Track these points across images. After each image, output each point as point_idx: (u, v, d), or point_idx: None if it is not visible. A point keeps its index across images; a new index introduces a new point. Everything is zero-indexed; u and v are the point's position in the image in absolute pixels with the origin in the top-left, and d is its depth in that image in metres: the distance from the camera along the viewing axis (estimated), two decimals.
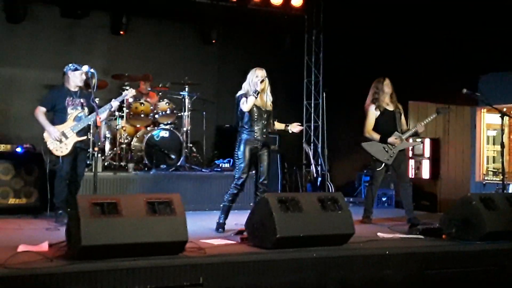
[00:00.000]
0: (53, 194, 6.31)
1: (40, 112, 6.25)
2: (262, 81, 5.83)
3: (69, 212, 4.63)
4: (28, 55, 8.90)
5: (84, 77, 6.34)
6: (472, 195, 5.49)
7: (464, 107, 9.38)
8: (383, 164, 6.61)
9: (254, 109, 5.88)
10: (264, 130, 5.96)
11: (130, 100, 8.14)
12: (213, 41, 10.14)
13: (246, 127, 5.93)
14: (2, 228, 5.77)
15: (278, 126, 6.21)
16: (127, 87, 6.57)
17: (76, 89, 6.38)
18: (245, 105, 5.82)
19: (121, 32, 9.45)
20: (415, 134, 6.90)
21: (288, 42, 10.49)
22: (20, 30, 8.84)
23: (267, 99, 6.00)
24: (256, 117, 5.90)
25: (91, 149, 6.31)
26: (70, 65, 6.38)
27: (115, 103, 6.41)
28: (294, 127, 6.17)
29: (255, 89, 5.78)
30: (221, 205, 6.04)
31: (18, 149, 7.06)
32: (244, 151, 5.89)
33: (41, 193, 6.78)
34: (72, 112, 6.29)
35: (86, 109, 6.35)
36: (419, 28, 8.71)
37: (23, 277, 3.59)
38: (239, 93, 5.97)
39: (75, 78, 6.33)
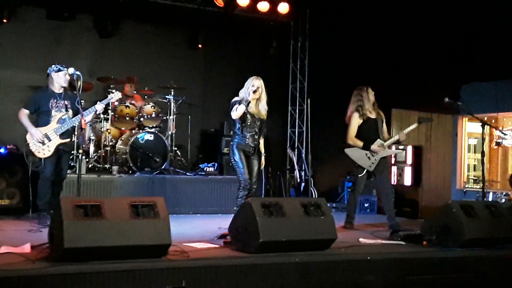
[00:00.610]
0: (36, 196, 6.28)
1: (24, 114, 6.21)
2: (255, 91, 5.92)
3: (52, 214, 4.61)
4: (13, 57, 8.85)
5: (68, 77, 6.29)
6: (453, 202, 5.56)
7: (446, 116, 9.51)
8: (365, 170, 6.67)
9: (248, 116, 6.00)
10: (256, 137, 6.09)
11: (116, 103, 8.13)
12: (200, 46, 10.16)
13: (238, 132, 6.05)
14: None
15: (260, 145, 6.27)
16: (113, 90, 6.57)
17: (61, 91, 6.33)
18: (234, 113, 5.93)
19: (109, 35, 9.43)
20: (397, 142, 6.97)
21: (274, 48, 10.54)
22: (6, 31, 8.78)
23: (262, 108, 6.09)
24: (249, 123, 6.00)
25: (75, 151, 6.31)
26: (53, 66, 6.34)
27: (99, 106, 6.39)
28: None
29: (247, 98, 5.88)
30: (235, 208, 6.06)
31: (1, 150, 7.02)
32: (239, 156, 6.01)
33: (24, 195, 6.74)
34: (56, 114, 6.25)
35: (70, 111, 6.32)
36: (403, 37, 8.81)
37: (4, 279, 3.56)
38: (235, 99, 6.05)
39: (59, 79, 6.28)
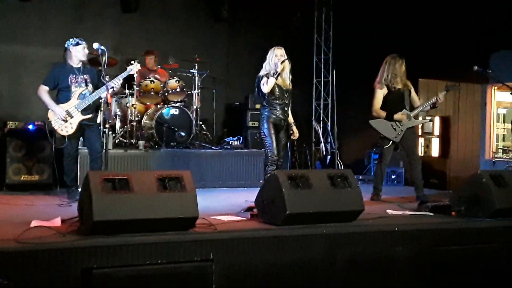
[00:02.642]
0: (63, 172, 6.32)
1: (43, 91, 6.09)
2: (282, 62, 5.87)
3: (81, 188, 4.67)
4: (38, 34, 8.91)
5: (86, 51, 6.17)
6: (482, 172, 5.48)
7: (475, 85, 9.33)
8: (391, 141, 6.61)
9: (276, 88, 5.97)
10: (286, 109, 6.06)
11: (138, 78, 8.14)
12: (223, 19, 10.09)
13: (268, 105, 6.00)
14: (15, 204, 5.85)
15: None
16: (132, 62, 6.52)
17: (79, 65, 6.19)
18: (265, 87, 5.89)
19: (132, 10, 9.42)
20: (429, 109, 6.83)
21: (297, 19, 10.43)
22: (30, 8, 8.83)
23: (286, 78, 6.05)
24: (278, 95, 5.97)
25: (101, 126, 6.32)
26: (71, 39, 6.19)
27: (117, 81, 6.20)
28: (293, 134, 6.22)
29: (276, 70, 5.83)
30: (261, 182, 6.07)
31: (30, 127, 7.13)
32: (269, 128, 5.99)
33: (53, 170, 6.84)
34: (76, 90, 6.12)
35: (90, 86, 6.18)
36: (430, 5, 8.63)
37: (36, 252, 3.62)
38: (261, 73, 6.02)
39: (78, 53, 6.14)
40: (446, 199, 5.83)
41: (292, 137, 6.29)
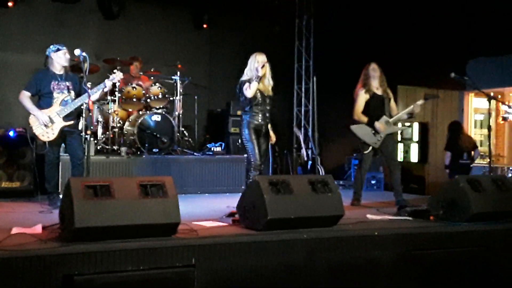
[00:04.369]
0: (44, 179, 6.29)
1: (25, 97, 6.05)
2: (263, 66, 5.93)
3: (62, 195, 4.67)
4: (19, 40, 8.88)
5: (68, 56, 6.15)
6: (460, 177, 5.56)
7: (452, 92, 9.49)
8: (371, 147, 6.69)
9: (258, 93, 6.02)
10: (267, 115, 6.11)
11: (121, 84, 8.15)
12: (205, 26, 10.14)
13: (250, 111, 6.05)
14: None
15: None
16: (115, 71, 6.54)
17: (61, 72, 6.16)
18: (249, 91, 5.94)
19: (115, 16, 9.44)
20: (410, 117, 6.93)
21: (279, 27, 10.51)
22: (11, 15, 8.81)
23: (267, 84, 6.11)
24: (260, 101, 6.03)
25: (83, 132, 6.30)
26: (51, 46, 6.16)
27: (109, 83, 6.23)
28: (271, 138, 6.28)
29: (257, 75, 5.88)
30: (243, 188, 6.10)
31: (11, 133, 7.07)
32: (250, 134, 6.05)
33: (34, 177, 6.80)
34: (58, 96, 6.09)
35: (72, 93, 6.16)
36: (408, 13, 8.76)
37: (17, 259, 3.61)
38: (242, 78, 6.07)
39: (59, 59, 6.11)
40: (424, 203, 5.91)
41: (269, 141, 6.35)
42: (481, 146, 9.83)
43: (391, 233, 4.92)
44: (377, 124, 6.63)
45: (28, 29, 8.93)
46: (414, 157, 9.33)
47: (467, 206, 5.28)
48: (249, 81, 5.97)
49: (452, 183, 5.52)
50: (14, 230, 4.29)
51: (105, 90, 6.39)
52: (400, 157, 9.13)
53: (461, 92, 9.46)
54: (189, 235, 4.38)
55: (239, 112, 8.56)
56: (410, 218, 5.58)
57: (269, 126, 6.28)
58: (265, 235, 4.51)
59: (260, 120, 6.09)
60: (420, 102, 6.71)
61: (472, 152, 8.63)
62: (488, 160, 6.75)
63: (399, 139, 9.16)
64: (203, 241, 4.26)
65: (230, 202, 5.96)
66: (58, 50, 6.14)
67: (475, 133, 9.81)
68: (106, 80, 6.28)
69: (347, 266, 4.65)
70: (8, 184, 6.94)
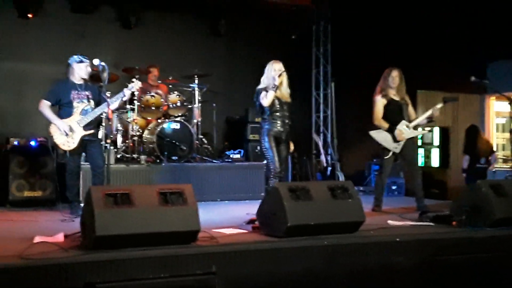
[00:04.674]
0: (65, 188, 6.35)
1: (45, 106, 6.12)
2: (280, 75, 5.93)
3: (83, 203, 4.70)
4: (39, 50, 8.99)
5: (89, 69, 6.22)
6: (482, 182, 5.50)
7: (473, 95, 9.39)
8: (391, 152, 6.64)
9: (276, 101, 6.01)
10: (286, 121, 6.09)
11: (140, 92, 8.20)
12: (222, 33, 10.18)
13: (268, 119, 6.05)
14: (18, 220, 5.88)
15: None
16: (133, 80, 6.60)
17: (81, 82, 6.23)
18: (265, 100, 5.94)
19: (132, 26, 9.53)
20: (429, 120, 6.87)
21: (296, 33, 10.51)
22: (32, 26, 8.93)
23: (285, 91, 6.11)
24: (278, 108, 6.02)
25: (103, 141, 6.34)
26: (75, 56, 6.24)
27: (127, 92, 6.28)
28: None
29: (274, 83, 5.88)
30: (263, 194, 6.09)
31: (32, 143, 7.15)
32: (269, 141, 6.04)
33: (55, 186, 6.86)
34: (78, 106, 6.15)
35: (92, 102, 6.22)
36: (426, 17, 8.70)
37: (39, 268, 3.64)
38: (259, 87, 6.07)
39: (80, 70, 6.19)
40: (446, 209, 5.85)
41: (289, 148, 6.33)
42: (503, 150, 9.70)
43: (413, 239, 4.87)
44: (397, 131, 6.57)
45: (47, 39, 9.04)
46: (435, 162, 9.24)
47: (490, 211, 5.21)
48: (266, 89, 5.98)
49: (474, 188, 5.46)
50: (37, 239, 4.32)
51: (124, 99, 6.43)
52: (421, 162, 9.03)
53: (482, 96, 9.36)
54: (209, 242, 4.38)
55: (257, 119, 8.57)
56: (432, 224, 5.52)
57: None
58: (285, 242, 4.49)
59: (279, 127, 6.07)
60: (439, 105, 6.65)
61: (490, 157, 8.58)
62: (511, 164, 6.64)
63: (419, 143, 9.07)
64: (223, 248, 4.26)
65: (249, 209, 5.96)
66: (81, 61, 6.21)
67: (497, 137, 9.69)
68: (125, 89, 6.33)
69: (368, 273, 4.61)
70: (30, 194, 7.01)
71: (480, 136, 8.70)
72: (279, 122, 6.06)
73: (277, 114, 6.06)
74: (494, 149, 8.95)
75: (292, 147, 6.32)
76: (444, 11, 8.59)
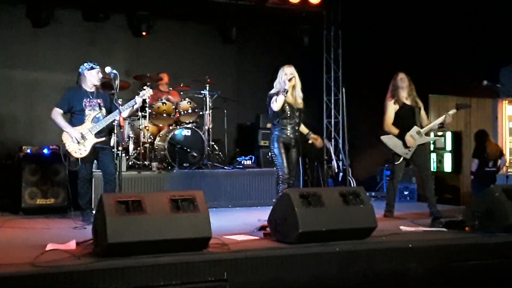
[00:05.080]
0: (77, 194, 6.37)
1: (57, 113, 6.14)
2: (290, 79, 5.89)
3: (95, 210, 4.71)
4: (51, 59, 9.07)
5: (100, 75, 6.24)
6: (495, 186, 5.47)
7: (485, 100, 9.33)
8: (402, 158, 6.60)
9: (287, 106, 5.97)
10: (297, 128, 6.05)
11: (151, 100, 8.23)
12: (233, 40, 10.21)
13: (278, 125, 6.02)
14: (30, 228, 5.90)
15: (301, 128, 6.24)
16: (144, 87, 6.64)
17: (93, 89, 6.24)
18: (275, 104, 5.90)
19: (144, 33, 9.58)
20: (437, 128, 6.84)
21: (306, 39, 10.51)
22: (44, 35, 9.02)
23: (298, 96, 6.06)
24: (288, 114, 5.98)
25: (115, 149, 6.35)
26: (85, 64, 6.25)
27: (139, 99, 6.28)
28: (315, 140, 6.22)
29: (284, 88, 5.85)
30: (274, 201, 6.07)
31: (45, 151, 7.19)
32: (279, 148, 6.00)
33: (68, 193, 6.89)
34: (90, 113, 6.16)
35: (103, 110, 6.24)
36: (438, 21, 8.67)
37: (52, 275, 3.66)
38: (271, 91, 6.04)
39: (92, 78, 6.20)
40: (459, 214, 5.80)
41: (318, 143, 6.30)
42: None
43: (425, 245, 4.84)
44: (407, 137, 6.53)
45: (59, 48, 9.12)
46: (447, 167, 9.19)
47: (504, 216, 5.16)
48: (277, 94, 5.93)
49: (488, 193, 5.41)
50: (49, 247, 4.34)
51: (135, 107, 6.44)
52: (433, 167, 8.98)
53: (494, 100, 9.29)
54: (220, 249, 4.37)
55: (269, 125, 8.56)
56: (445, 229, 5.48)
57: (307, 130, 6.24)
58: (297, 249, 4.48)
59: (289, 134, 6.03)
60: (451, 112, 6.61)
61: (499, 161, 8.61)
62: None
63: (431, 148, 9.03)
64: (234, 255, 4.25)
65: (261, 215, 5.94)
66: (92, 68, 6.22)
67: (510, 141, 9.61)
68: (136, 97, 6.34)
69: (381, 279, 4.58)
70: (43, 201, 7.04)
71: (489, 140, 8.72)
72: (289, 128, 6.02)
73: (288, 120, 6.02)
74: (504, 153, 8.92)
75: (319, 139, 6.28)
76: (457, 16, 8.55)
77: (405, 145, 6.58)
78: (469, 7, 8.42)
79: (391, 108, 6.64)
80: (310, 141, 6.30)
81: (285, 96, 5.89)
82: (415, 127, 6.59)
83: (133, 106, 6.32)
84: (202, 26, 10.16)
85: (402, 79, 6.63)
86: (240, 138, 10.21)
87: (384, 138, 6.67)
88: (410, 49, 9.03)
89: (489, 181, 8.02)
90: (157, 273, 3.91)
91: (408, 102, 6.65)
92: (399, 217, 6.62)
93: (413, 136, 6.55)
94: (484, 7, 8.26)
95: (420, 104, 6.78)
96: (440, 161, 9.34)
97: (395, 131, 6.60)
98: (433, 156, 9.29)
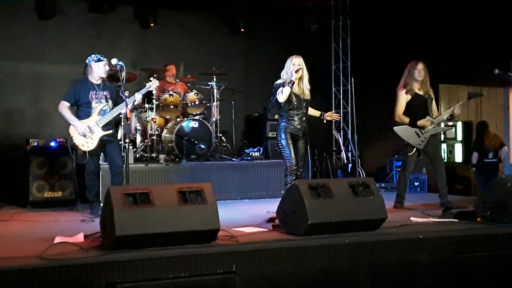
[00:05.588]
0: (85, 188, 6.36)
1: (64, 107, 6.12)
2: (297, 70, 5.82)
3: (102, 203, 4.69)
4: (57, 51, 9.05)
5: (107, 68, 6.21)
6: (507, 177, 5.41)
7: (497, 89, 9.23)
8: (415, 148, 6.53)
9: (293, 97, 5.91)
10: (304, 119, 5.99)
11: (158, 91, 8.19)
12: (240, 31, 10.14)
13: (285, 116, 5.96)
14: (38, 221, 5.90)
15: (313, 112, 6.19)
16: (151, 79, 6.61)
17: (99, 82, 6.21)
18: (280, 96, 5.83)
19: (152, 24, 9.54)
20: (450, 118, 6.76)
21: (315, 29, 10.43)
22: (50, 27, 8.98)
23: (305, 88, 6.00)
24: (295, 105, 5.92)
25: (122, 141, 6.32)
26: (93, 55, 6.22)
27: (138, 96, 6.27)
28: (331, 116, 6.17)
29: (290, 79, 5.79)
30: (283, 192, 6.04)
31: (52, 143, 7.17)
32: (286, 139, 5.95)
33: (75, 186, 6.89)
34: (96, 106, 6.15)
35: (110, 102, 6.22)
36: (448, 10, 8.56)
37: (60, 268, 3.65)
38: (278, 81, 5.97)
39: (99, 70, 6.17)
40: (470, 205, 5.75)
41: (335, 117, 6.29)
42: None
43: (436, 236, 4.80)
44: (423, 121, 6.44)
45: (65, 40, 9.09)
46: (458, 157, 9.12)
47: None
48: (284, 84, 5.87)
49: (499, 183, 5.35)
50: (57, 240, 4.33)
51: (136, 103, 6.38)
52: (444, 157, 8.91)
53: (506, 89, 9.19)
54: (229, 241, 4.35)
55: (276, 116, 8.52)
56: (456, 220, 5.43)
57: (319, 113, 6.20)
58: (306, 240, 4.45)
59: (296, 125, 5.97)
60: (461, 102, 6.53)
61: (499, 151, 8.61)
62: None
63: (442, 139, 8.95)
64: (243, 247, 4.23)
65: (269, 207, 5.91)
66: (99, 60, 6.19)
67: None
68: (136, 94, 6.32)
69: (391, 270, 4.55)
70: (51, 194, 7.04)
71: (488, 131, 8.72)
72: (296, 119, 5.96)
73: (295, 111, 5.95)
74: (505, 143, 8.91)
75: (334, 115, 6.27)
76: (468, 4, 8.44)
77: (418, 136, 6.50)
78: None
79: (403, 98, 6.56)
80: (326, 120, 6.25)
81: (291, 88, 5.83)
82: (428, 117, 6.51)
83: (132, 102, 6.24)
84: (209, 17, 10.11)
85: (420, 72, 6.50)
86: (248, 129, 10.17)
87: (397, 129, 6.59)
88: (420, 38, 8.93)
89: (491, 172, 8.04)
90: (166, 265, 3.90)
91: (420, 92, 6.56)
92: (409, 208, 6.57)
93: (428, 122, 6.47)
94: None
95: (432, 95, 6.69)
96: (450, 151, 9.28)
97: (406, 120, 6.52)
98: (444, 146, 9.22)
